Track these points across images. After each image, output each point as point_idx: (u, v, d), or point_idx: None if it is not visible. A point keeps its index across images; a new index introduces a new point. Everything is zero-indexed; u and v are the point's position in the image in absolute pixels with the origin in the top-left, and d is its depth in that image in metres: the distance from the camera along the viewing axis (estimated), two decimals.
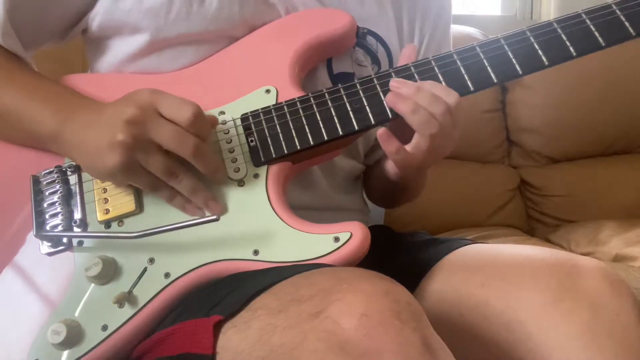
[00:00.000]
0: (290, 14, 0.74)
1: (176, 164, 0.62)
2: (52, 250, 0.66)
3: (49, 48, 0.79)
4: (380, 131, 0.66)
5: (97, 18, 0.72)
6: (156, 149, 0.60)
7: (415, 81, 0.67)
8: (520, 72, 0.67)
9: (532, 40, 0.67)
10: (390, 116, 0.67)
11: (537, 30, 0.67)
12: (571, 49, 0.66)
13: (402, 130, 0.66)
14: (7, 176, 0.71)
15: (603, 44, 0.66)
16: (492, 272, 0.67)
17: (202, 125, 0.61)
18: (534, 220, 1.68)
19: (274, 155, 0.66)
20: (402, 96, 0.66)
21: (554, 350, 0.59)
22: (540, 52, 0.66)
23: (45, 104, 0.66)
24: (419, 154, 0.67)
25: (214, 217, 0.61)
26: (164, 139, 0.60)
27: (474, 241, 0.78)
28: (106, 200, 0.66)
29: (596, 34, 0.66)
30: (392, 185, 0.79)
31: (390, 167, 0.74)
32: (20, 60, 0.73)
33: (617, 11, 0.66)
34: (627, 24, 0.66)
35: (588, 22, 0.66)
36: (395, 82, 0.67)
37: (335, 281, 0.51)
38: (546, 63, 0.66)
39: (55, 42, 0.77)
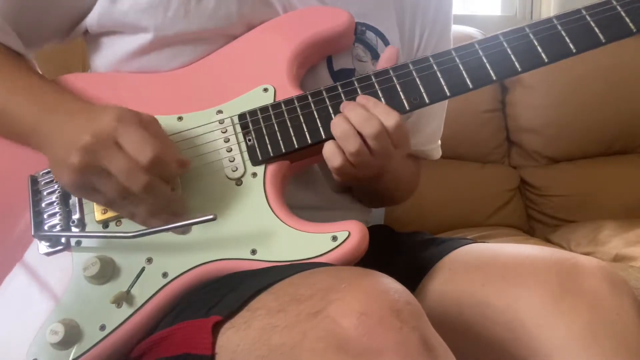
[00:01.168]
0: (288, 12, 0.74)
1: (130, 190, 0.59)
2: (50, 250, 0.66)
3: (52, 47, 0.79)
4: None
5: (96, 19, 0.72)
6: (109, 174, 0.59)
7: (414, 79, 0.67)
8: (519, 69, 0.66)
9: (532, 37, 0.66)
10: None
11: (537, 27, 0.67)
12: (571, 45, 0.66)
13: None
14: (5, 176, 0.70)
15: (603, 40, 0.65)
16: (492, 271, 0.67)
17: (164, 168, 0.59)
18: (534, 220, 1.68)
19: (271, 154, 0.66)
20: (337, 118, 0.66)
21: (555, 350, 0.59)
22: (539, 48, 0.66)
23: (27, 99, 0.66)
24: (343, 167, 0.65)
25: (212, 216, 0.60)
26: (114, 171, 0.58)
27: (474, 241, 0.78)
28: None
29: (596, 30, 0.66)
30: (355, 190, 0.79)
31: None
32: (17, 57, 0.73)
33: (618, 7, 0.66)
34: (627, 19, 0.65)
35: (588, 18, 0.66)
36: (343, 104, 0.67)
37: (335, 280, 0.51)
38: (546, 60, 0.66)
39: (57, 40, 0.78)
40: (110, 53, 0.75)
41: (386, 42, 0.79)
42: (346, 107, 0.66)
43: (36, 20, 0.73)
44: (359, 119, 0.64)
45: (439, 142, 0.95)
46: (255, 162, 0.66)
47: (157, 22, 0.70)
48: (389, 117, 0.64)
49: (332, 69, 0.76)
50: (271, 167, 0.66)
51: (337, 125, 0.65)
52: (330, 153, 0.65)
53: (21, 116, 0.66)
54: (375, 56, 0.78)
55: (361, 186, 0.77)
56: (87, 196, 0.62)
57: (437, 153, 0.95)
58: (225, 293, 0.57)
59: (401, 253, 0.80)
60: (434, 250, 0.76)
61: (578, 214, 1.60)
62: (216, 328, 0.54)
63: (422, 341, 0.46)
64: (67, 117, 0.63)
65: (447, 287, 0.69)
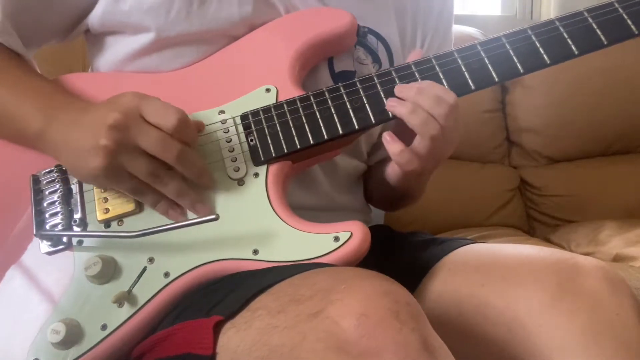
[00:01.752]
0: (290, 13, 0.74)
1: (161, 167, 0.61)
2: (52, 249, 0.66)
3: (52, 47, 0.79)
4: (385, 133, 0.66)
5: (97, 18, 0.72)
6: (140, 152, 0.60)
7: (416, 80, 0.67)
8: (521, 71, 0.66)
9: (534, 38, 0.67)
10: (390, 115, 0.67)
11: (539, 29, 0.67)
12: (573, 47, 0.66)
13: (405, 134, 0.66)
14: (7, 176, 0.70)
15: (605, 42, 0.65)
16: (492, 271, 0.67)
17: (187, 131, 0.61)
18: (534, 220, 1.68)
19: (273, 155, 0.66)
20: (401, 99, 0.66)
21: (554, 350, 0.59)
22: (541, 50, 0.66)
23: (33, 101, 0.66)
24: (421, 156, 0.66)
25: (214, 216, 0.60)
26: (147, 144, 0.59)
27: (474, 241, 0.78)
28: (106, 200, 0.66)
29: (598, 32, 0.66)
30: (392, 190, 0.79)
31: (391, 171, 0.74)
32: (18, 58, 0.73)
33: (620, 9, 0.66)
34: (629, 21, 0.65)
35: (590, 20, 0.66)
36: (398, 87, 0.67)
37: (335, 281, 0.51)
38: (548, 61, 0.66)
39: (58, 40, 0.77)
40: (111, 53, 0.75)
41: (386, 46, 0.79)
42: (410, 91, 0.66)
43: (37, 19, 0.73)
44: (430, 102, 0.64)
45: None
46: (257, 162, 0.66)
47: (159, 23, 0.70)
48: (449, 97, 0.65)
49: (333, 70, 0.76)
50: (273, 168, 0.66)
51: (414, 112, 0.64)
52: (402, 155, 0.66)
53: (28, 117, 0.65)
54: (376, 59, 0.78)
55: (412, 183, 0.77)
56: (116, 183, 0.62)
57: None
58: (226, 293, 0.57)
59: (401, 253, 0.80)
60: (434, 250, 0.76)
61: (578, 214, 1.60)
62: (217, 328, 0.54)
63: (421, 342, 0.46)
64: (81, 112, 0.63)
65: (446, 287, 0.69)
